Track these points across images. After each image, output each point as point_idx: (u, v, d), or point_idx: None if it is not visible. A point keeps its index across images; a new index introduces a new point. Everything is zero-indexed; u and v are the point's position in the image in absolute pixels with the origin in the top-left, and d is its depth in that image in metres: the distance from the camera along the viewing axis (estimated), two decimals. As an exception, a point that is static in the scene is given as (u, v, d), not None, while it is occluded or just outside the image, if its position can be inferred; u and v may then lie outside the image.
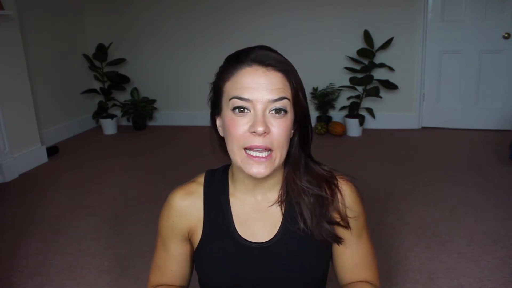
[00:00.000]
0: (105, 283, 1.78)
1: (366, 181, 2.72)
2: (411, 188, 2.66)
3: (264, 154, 0.77)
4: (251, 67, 0.77)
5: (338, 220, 0.86)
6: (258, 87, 0.75)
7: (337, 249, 0.90)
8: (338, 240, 0.87)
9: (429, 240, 2.02)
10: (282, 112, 0.77)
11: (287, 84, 0.78)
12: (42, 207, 2.56)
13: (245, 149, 0.77)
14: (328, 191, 0.86)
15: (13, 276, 1.85)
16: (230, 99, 0.77)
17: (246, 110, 0.76)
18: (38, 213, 2.48)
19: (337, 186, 0.87)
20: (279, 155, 0.78)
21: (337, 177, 0.89)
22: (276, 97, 0.76)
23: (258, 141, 0.75)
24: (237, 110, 0.76)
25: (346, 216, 0.87)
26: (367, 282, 0.91)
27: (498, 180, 2.74)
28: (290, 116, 0.78)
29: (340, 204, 0.86)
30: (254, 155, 0.77)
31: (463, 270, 1.77)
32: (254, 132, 0.75)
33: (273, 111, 0.76)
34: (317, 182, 0.86)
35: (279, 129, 0.76)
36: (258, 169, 0.77)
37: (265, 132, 0.75)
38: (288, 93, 0.78)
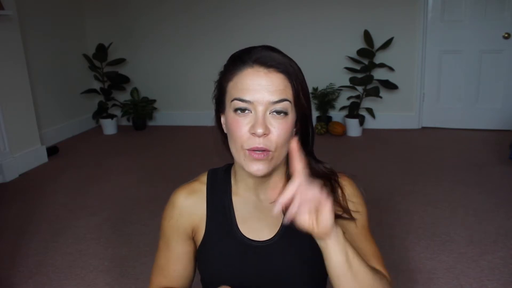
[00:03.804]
0: (105, 283, 1.79)
1: (366, 181, 2.72)
2: (411, 188, 2.66)
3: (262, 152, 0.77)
4: (252, 68, 0.77)
5: (340, 213, 0.86)
6: (259, 89, 0.76)
7: None
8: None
9: (429, 240, 2.02)
10: (282, 114, 0.77)
11: (288, 85, 0.78)
12: (42, 207, 2.56)
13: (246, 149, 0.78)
14: (329, 187, 0.86)
15: (13, 276, 1.85)
16: (232, 100, 0.78)
17: (247, 111, 0.77)
18: (38, 213, 2.48)
19: (337, 181, 0.88)
20: (276, 155, 0.79)
21: (337, 173, 0.90)
22: (276, 98, 0.76)
23: (258, 143, 0.76)
24: (238, 111, 0.77)
25: (349, 209, 0.87)
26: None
27: (498, 180, 2.74)
28: (291, 117, 0.79)
29: (341, 198, 0.87)
30: (254, 154, 0.77)
31: (463, 270, 1.77)
32: (254, 133, 0.76)
33: (274, 112, 0.77)
34: (319, 179, 0.87)
35: (279, 130, 0.77)
36: (258, 167, 0.77)
37: (265, 134, 0.76)
38: (289, 94, 0.78)
